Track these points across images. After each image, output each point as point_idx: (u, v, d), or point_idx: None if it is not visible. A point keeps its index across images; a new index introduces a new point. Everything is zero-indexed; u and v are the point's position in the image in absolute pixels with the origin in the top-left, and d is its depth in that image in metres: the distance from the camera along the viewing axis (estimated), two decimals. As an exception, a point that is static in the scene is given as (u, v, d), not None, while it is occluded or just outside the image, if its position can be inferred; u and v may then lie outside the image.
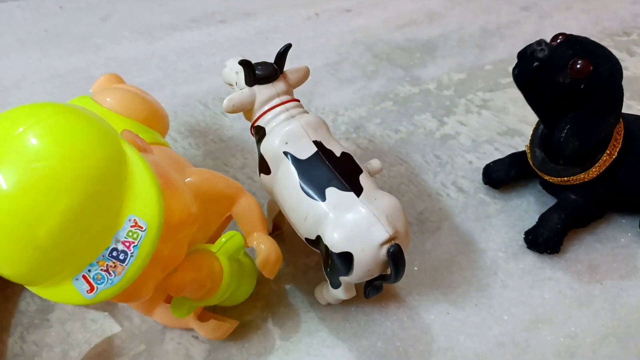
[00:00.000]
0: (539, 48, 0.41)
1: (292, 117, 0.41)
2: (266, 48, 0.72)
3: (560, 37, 0.43)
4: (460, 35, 0.73)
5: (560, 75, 0.41)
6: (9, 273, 0.30)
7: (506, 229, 0.50)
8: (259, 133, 0.43)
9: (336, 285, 0.40)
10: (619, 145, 0.45)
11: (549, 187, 0.52)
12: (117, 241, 0.30)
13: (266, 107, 0.42)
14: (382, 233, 0.36)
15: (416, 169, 0.56)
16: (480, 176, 0.55)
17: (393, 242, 0.36)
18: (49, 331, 0.44)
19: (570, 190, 0.48)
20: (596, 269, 0.47)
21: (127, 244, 0.30)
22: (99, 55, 0.68)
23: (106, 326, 0.44)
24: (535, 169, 0.49)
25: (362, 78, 0.67)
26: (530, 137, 0.50)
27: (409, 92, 0.65)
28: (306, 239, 0.41)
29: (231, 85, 0.45)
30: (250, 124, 0.44)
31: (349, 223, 0.37)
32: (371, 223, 0.36)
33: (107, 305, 0.45)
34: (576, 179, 0.46)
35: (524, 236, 0.49)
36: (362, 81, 0.66)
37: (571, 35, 0.43)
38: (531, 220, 0.50)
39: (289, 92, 0.43)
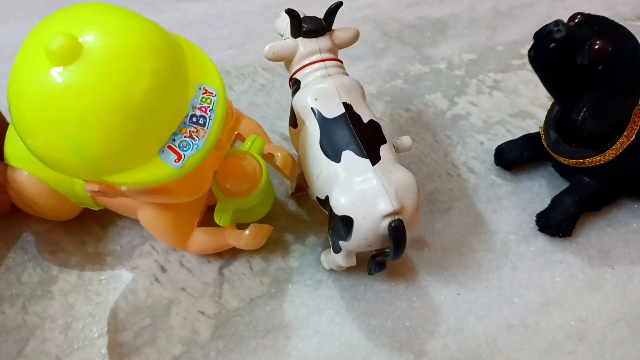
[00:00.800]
0: (556, 28, 0.40)
1: (329, 75, 0.41)
2: (273, 22, 0.70)
3: (578, 16, 0.42)
4: (472, 15, 0.72)
5: (578, 56, 0.40)
6: (107, 149, 0.31)
7: (517, 211, 0.50)
8: (295, 85, 0.43)
9: (337, 249, 0.40)
10: (637, 128, 0.44)
11: (562, 170, 0.51)
12: (194, 108, 0.33)
13: (306, 62, 0.42)
14: (386, 205, 0.35)
15: (427, 148, 0.55)
16: (491, 158, 0.54)
17: (396, 216, 0.35)
18: (51, 303, 0.43)
19: (584, 172, 0.47)
20: (607, 254, 0.47)
21: (204, 109, 0.33)
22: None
23: (110, 299, 0.43)
24: (549, 151, 0.48)
25: (372, 56, 0.65)
26: (544, 119, 0.49)
27: (419, 71, 0.64)
28: (317, 197, 0.40)
29: (281, 34, 0.45)
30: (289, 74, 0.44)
31: (356, 189, 0.36)
32: (378, 194, 0.36)
33: (110, 279, 0.44)
34: (591, 161, 0.45)
35: (535, 219, 0.49)
36: (372, 59, 0.65)
37: (590, 15, 0.42)
38: (542, 203, 0.50)
39: (332, 50, 0.43)
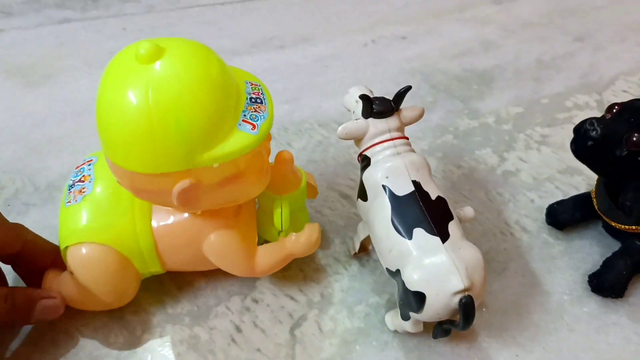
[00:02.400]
0: (591, 128, 0.43)
1: (398, 154, 0.44)
2: (325, 75, 0.74)
3: (615, 107, 0.45)
4: (516, 66, 0.74)
5: (617, 149, 0.43)
6: (202, 124, 0.36)
7: (570, 271, 0.52)
8: (365, 162, 0.46)
9: (405, 318, 0.43)
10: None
11: (612, 232, 0.53)
12: (249, 93, 0.40)
13: (376, 140, 0.45)
14: (458, 283, 0.38)
15: (480, 206, 0.57)
16: (542, 215, 0.56)
17: (466, 293, 0.38)
18: None
19: (636, 237, 0.49)
20: (660, 315, 0.49)
21: (256, 93, 0.40)
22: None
23: None
24: (602, 215, 0.50)
25: (422, 110, 0.68)
26: (595, 182, 0.52)
27: (468, 126, 0.66)
28: (387, 269, 0.43)
29: (349, 110, 0.48)
30: (359, 150, 0.47)
31: (429, 266, 0.39)
32: (450, 271, 0.38)
33: (190, 339, 0.47)
34: (642, 228, 0.48)
35: (588, 280, 0.51)
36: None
37: (626, 104, 0.44)
38: (594, 263, 0.52)
39: (400, 129, 0.46)
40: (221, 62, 0.39)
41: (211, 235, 0.44)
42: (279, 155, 0.46)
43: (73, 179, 0.46)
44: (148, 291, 0.50)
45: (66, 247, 0.43)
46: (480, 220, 0.56)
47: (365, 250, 0.53)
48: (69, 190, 0.45)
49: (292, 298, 0.50)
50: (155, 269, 0.46)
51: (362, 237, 0.50)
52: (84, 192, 0.44)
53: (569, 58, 0.76)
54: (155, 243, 0.44)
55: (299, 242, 0.46)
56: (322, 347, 0.47)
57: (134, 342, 0.47)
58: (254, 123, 0.38)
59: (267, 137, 0.43)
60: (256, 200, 0.51)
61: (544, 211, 0.56)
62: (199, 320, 0.48)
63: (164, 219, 0.44)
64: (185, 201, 0.39)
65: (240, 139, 0.38)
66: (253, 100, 0.40)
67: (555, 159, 0.62)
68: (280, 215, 0.47)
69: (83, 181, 0.45)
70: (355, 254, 0.53)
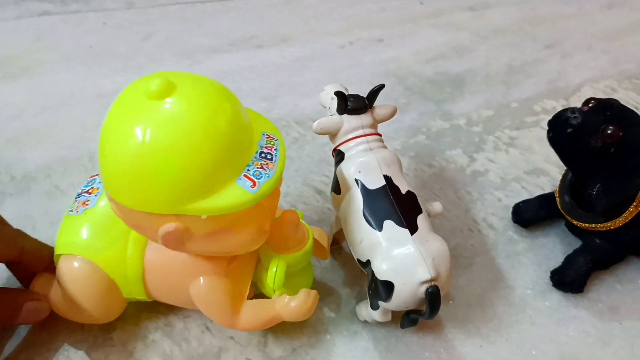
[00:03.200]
0: (573, 116, 0.45)
1: (371, 149, 0.46)
2: (302, 75, 0.75)
3: (592, 102, 0.47)
4: (487, 71, 0.77)
5: (592, 139, 0.45)
6: (196, 171, 0.34)
7: (534, 267, 0.54)
8: (339, 156, 0.47)
9: (375, 307, 0.44)
10: (645, 198, 0.49)
11: (574, 230, 0.55)
12: (261, 147, 0.38)
13: (350, 136, 0.47)
14: (424, 273, 0.40)
15: (449, 204, 0.59)
16: (509, 214, 0.58)
17: (433, 283, 0.40)
18: (112, 350, 0.47)
19: (596, 235, 0.52)
20: (616, 310, 0.51)
21: (269, 148, 0.38)
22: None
23: (166, 347, 0.47)
24: (564, 213, 0.53)
25: (396, 111, 0.70)
26: (559, 182, 0.54)
27: (440, 127, 0.68)
28: (358, 259, 0.45)
29: (324, 107, 0.49)
30: (331, 142, 0.48)
31: (397, 257, 0.41)
32: (417, 262, 0.40)
33: (165, 327, 0.48)
34: (603, 227, 0.50)
35: (550, 275, 0.53)
36: (396, 114, 0.69)
37: (601, 100, 0.47)
38: (556, 260, 0.54)
39: (373, 125, 0.48)
40: (234, 109, 0.37)
41: (200, 279, 0.43)
42: (282, 215, 0.43)
43: (82, 189, 0.46)
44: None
45: (59, 255, 0.43)
46: (449, 217, 0.58)
47: (337, 244, 0.54)
48: (76, 199, 0.45)
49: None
50: (141, 296, 0.45)
51: (334, 230, 0.51)
52: (87, 204, 0.44)
53: (538, 64, 0.78)
54: (143, 273, 0.43)
55: (289, 306, 0.44)
56: (293, 336, 0.48)
57: (108, 330, 0.48)
58: (256, 180, 0.36)
59: (274, 195, 0.41)
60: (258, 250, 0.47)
61: (510, 210, 0.58)
62: (174, 309, 0.49)
63: (157, 251, 0.43)
64: (170, 244, 0.37)
65: (234, 195, 0.35)
66: (263, 155, 0.37)
67: (523, 160, 0.64)
68: (273, 275, 0.44)
69: (90, 193, 0.45)
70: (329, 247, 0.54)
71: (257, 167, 0.36)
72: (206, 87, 0.37)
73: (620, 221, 0.49)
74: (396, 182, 0.44)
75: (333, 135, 0.48)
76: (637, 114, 0.46)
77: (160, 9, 0.89)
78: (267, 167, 0.37)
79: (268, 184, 0.36)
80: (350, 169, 0.45)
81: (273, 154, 0.38)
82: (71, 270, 0.43)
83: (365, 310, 0.48)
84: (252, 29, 0.83)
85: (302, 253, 0.45)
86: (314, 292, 0.45)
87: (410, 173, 0.62)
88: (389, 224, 0.42)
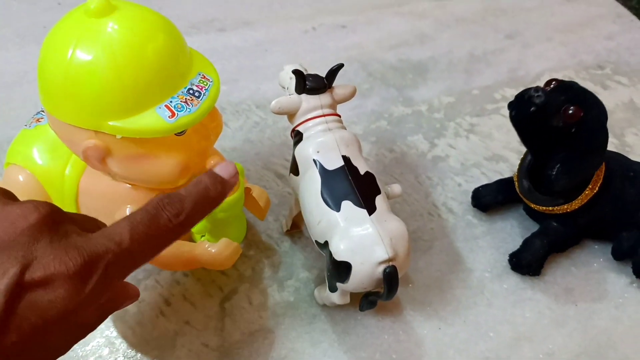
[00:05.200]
0: (537, 94, 0.45)
1: (329, 129, 0.45)
2: (264, 59, 0.74)
3: (553, 82, 0.47)
4: (450, 59, 0.77)
5: (554, 119, 0.45)
6: (117, 90, 0.36)
7: (491, 250, 0.55)
8: (297, 137, 0.46)
9: (333, 289, 0.44)
10: (600, 181, 0.49)
11: (532, 214, 0.56)
12: (192, 84, 0.39)
13: (308, 116, 0.46)
14: (382, 253, 0.39)
15: (409, 189, 0.59)
16: (468, 199, 0.59)
17: (390, 263, 0.40)
18: (61, 334, 0.45)
19: (553, 218, 0.53)
20: (571, 292, 0.52)
21: (200, 87, 0.39)
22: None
23: (118, 331, 0.46)
24: (522, 197, 0.53)
25: (358, 96, 0.68)
26: (517, 167, 0.55)
27: (402, 113, 0.68)
28: (316, 241, 0.44)
29: (283, 87, 0.48)
30: (291, 125, 0.48)
31: (355, 237, 0.40)
32: (375, 242, 0.40)
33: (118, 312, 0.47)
34: (560, 209, 0.51)
35: (508, 258, 0.53)
36: (358, 99, 0.69)
37: (563, 81, 0.47)
38: (514, 243, 0.55)
39: (332, 106, 0.47)
40: (167, 41, 0.38)
41: (127, 207, 0.43)
42: (208, 160, 0.44)
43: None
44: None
45: (8, 163, 0.45)
46: (409, 201, 0.58)
47: (297, 227, 0.54)
48: (34, 115, 0.47)
49: (223, 273, 0.50)
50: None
51: (294, 213, 0.51)
52: (40, 121, 0.46)
53: (499, 54, 0.79)
54: (77, 194, 0.44)
55: (207, 252, 0.44)
56: (251, 320, 0.47)
57: (57, 314, 0.46)
58: (176, 112, 0.37)
59: (203, 135, 0.42)
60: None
61: (470, 194, 0.58)
62: (127, 293, 0.48)
63: (92, 177, 0.44)
64: (91, 160, 0.39)
65: (150, 121, 0.37)
66: (191, 92, 0.39)
67: (482, 147, 0.65)
68: None
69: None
70: (287, 231, 0.53)
71: (181, 101, 0.38)
72: (146, 15, 0.38)
73: (576, 204, 0.50)
74: (355, 162, 0.44)
75: (291, 115, 0.47)
76: (596, 96, 0.47)
77: (118, -10, 0.86)
78: (191, 103, 0.38)
79: (187, 117, 0.37)
80: (308, 150, 0.44)
81: (202, 92, 0.39)
82: (12, 179, 0.44)
83: (323, 294, 0.47)
84: (213, 12, 0.81)
85: (227, 201, 0.44)
86: (234, 243, 0.45)
87: (372, 158, 0.62)
88: (347, 205, 0.42)
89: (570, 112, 0.44)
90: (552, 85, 0.47)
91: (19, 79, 0.67)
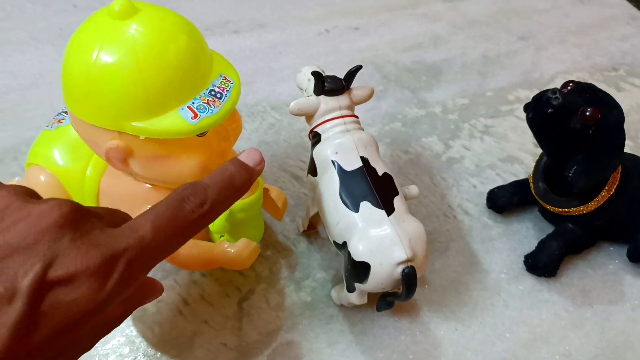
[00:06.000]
0: (554, 96, 0.45)
1: (348, 131, 0.45)
2: (279, 61, 0.75)
3: (570, 84, 0.47)
4: (463, 61, 0.77)
5: (572, 121, 0.45)
6: (140, 90, 0.36)
7: (507, 252, 0.55)
8: (315, 138, 0.47)
9: (351, 289, 0.44)
10: (617, 183, 0.49)
11: (547, 215, 0.56)
12: (214, 86, 0.39)
13: (327, 117, 0.46)
14: (401, 254, 0.39)
15: (425, 190, 0.59)
16: (484, 200, 0.59)
17: (409, 263, 0.40)
18: (82, 333, 0.45)
19: (568, 220, 0.53)
20: (588, 294, 0.52)
21: (222, 88, 0.39)
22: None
23: (138, 331, 0.46)
24: (538, 199, 0.53)
25: (372, 98, 0.70)
26: (533, 168, 0.55)
27: (416, 114, 0.68)
28: (334, 242, 0.44)
29: (301, 89, 0.49)
30: (309, 127, 0.48)
31: (374, 237, 0.40)
32: (394, 242, 0.40)
33: (137, 311, 0.47)
34: (576, 211, 0.51)
35: (524, 260, 0.53)
36: (373, 101, 0.68)
37: (580, 83, 0.47)
38: (530, 245, 0.55)
39: (350, 107, 0.47)
40: (189, 42, 0.38)
41: (146, 207, 0.43)
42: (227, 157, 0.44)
43: (63, 109, 0.48)
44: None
45: (29, 164, 0.45)
46: (424, 203, 0.58)
47: (313, 228, 0.54)
48: (55, 116, 0.47)
49: (240, 273, 0.51)
50: None
51: (311, 214, 0.51)
52: (61, 122, 0.46)
53: (512, 56, 0.79)
54: (98, 194, 0.45)
55: (227, 253, 0.44)
56: (269, 320, 0.48)
57: (78, 314, 0.47)
58: (198, 113, 0.38)
59: (224, 136, 0.43)
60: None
61: (485, 196, 0.58)
62: (145, 292, 0.48)
63: (113, 176, 0.44)
64: (114, 161, 0.39)
65: (173, 122, 0.37)
66: (213, 93, 0.39)
67: (497, 148, 0.65)
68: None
69: (67, 113, 0.46)
70: (304, 231, 0.54)
71: (203, 102, 0.38)
72: (168, 16, 0.39)
73: (592, 205, 0.50)
74: (373, 163, 0.44)
75: (310, 116, 0.47)
76: (613, 98, 0.47)
77: (133, -7, 0.87)
78: (213, 104, 0.38)
79: (209, 119, 0.38)
80: (327, 151, 0.45)
81: (224, 94, 0.39)
82: (34, 179, 0.45)
83: (341, 294, 0.47)
84: (227, 14, 0.82)
85: (247, 201, 0.45)
86: (253, 243, 0.45)
87: (387, 159, 0.62)
88: (365, 205, 0.42)
89: (588, 113, 0.44)
90: (569, 87, 0.47)
91: (35, 81, 0.68)
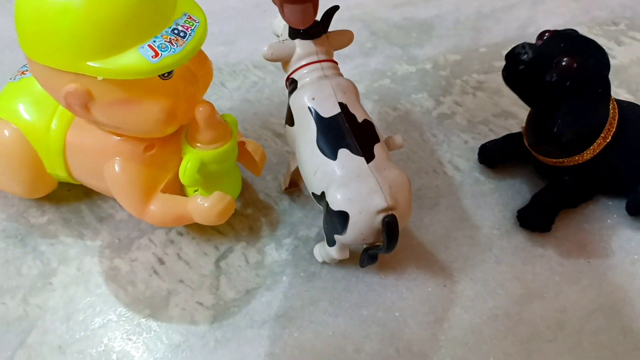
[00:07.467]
0: (523, 51, 0.43)
1: (325, 76, 0.43)
2: (263, 20, 0.72)
3: (546, 34, 0.45)
4: (456, 16, 0.74)
5: (547, 74, 0.43)
6: (96, 27, 0.34)
7: (500, 207, 0.52)
8: (292, 85, 0.44)
9: (331, 243, 0.42)
10: (614, 130, 0.47)
11: (542, 170, 0.53)
12: (177, 24, 0.37)
13: (303, 62, 0.43)
14: (381, 201, 0.37)
15: (414, 146, 0.57)
16: (475, 156, 0.56)
17: (390, 212, 0.37)
18: (52, 294, 0.44)
19: (563, 171, 0.50)
20: (584, 248, 0.50)
21: (185, 27, 0.37)
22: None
23: (110, 290, 0.44)
24: (531, 150, 0.51)
25: (361, 55, 0.67)
26: (526, 119, 0.52)
27: (406, 71, 0.66)
28: (312, 193, 0.42)
29: (277, 35, 0.46)
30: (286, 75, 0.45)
31: (352, 185, 0.38)
32: (373, 190, 0.38)
33: (109, 270, 0.45)
34: (570, 161, 0.48)
35: (517, 215, 0.51)
36: (361, 58, 0.67)
37: (557, 32, 0.45)
38: (523, 200, 0.52)
39: (328, 52, 0.44)
40: None
41: (115, 159, 0.42)
42: (196, 104, 0.42)
43: None
44: (67, 223, 0.48)
45: None
46: (413, 158, 0.56)
47: (296, 185, 0.52)
48: (19, 68, 0.46)
49: (219, 231, 0.48)
50: (62, 173, 0.45)
51: (292, 169, 0.48)
52: (25, 74, 0.45)
53: (508, 10, 0.76)
54: (64, 148, 0.43)
55: (200, 207, 0.42)
56: (248, 278, 0.46)
57: (48, 274, 0.45)
58: (159, 52, 0.35)
59: (190, 80, 0.41)
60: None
61: (477, 151, 0.56)
62: (119, 252, 0.46)
63: (79, 129, 0.43)
64: (73, 107, 0.38)
65: (132, 60, 0.35)
66: (176, 32, 0.37)
67: (490, 103, 0.62)
68: (184, 168, 0.42)
69: None
70: (286, 189, 0.51)
71: (165, 41, 0.36)
72: None
73: (587, 154, 0.47)
74: (352, 109, 0.42)
75: (285, 62, 0.44)
76: (596, 42, 0.44)
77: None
78: (176, 43, 0.36)
79: (171, 57, 0.36)
80: (303, 97, 0.42)
81: (188, 33, 0.37)
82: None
83: (323, 250, 0.45)
84: (211, -25, 0.79)
85: (219, 151, 0.42)
86: (228, 197, 0.43)
87: (374, 116, 0.60)
88: (343, 153, 0.39)
89: (563, 64, 0.42)
90: (545, 38, 0.44)
91: (9, 44, 0.66)
